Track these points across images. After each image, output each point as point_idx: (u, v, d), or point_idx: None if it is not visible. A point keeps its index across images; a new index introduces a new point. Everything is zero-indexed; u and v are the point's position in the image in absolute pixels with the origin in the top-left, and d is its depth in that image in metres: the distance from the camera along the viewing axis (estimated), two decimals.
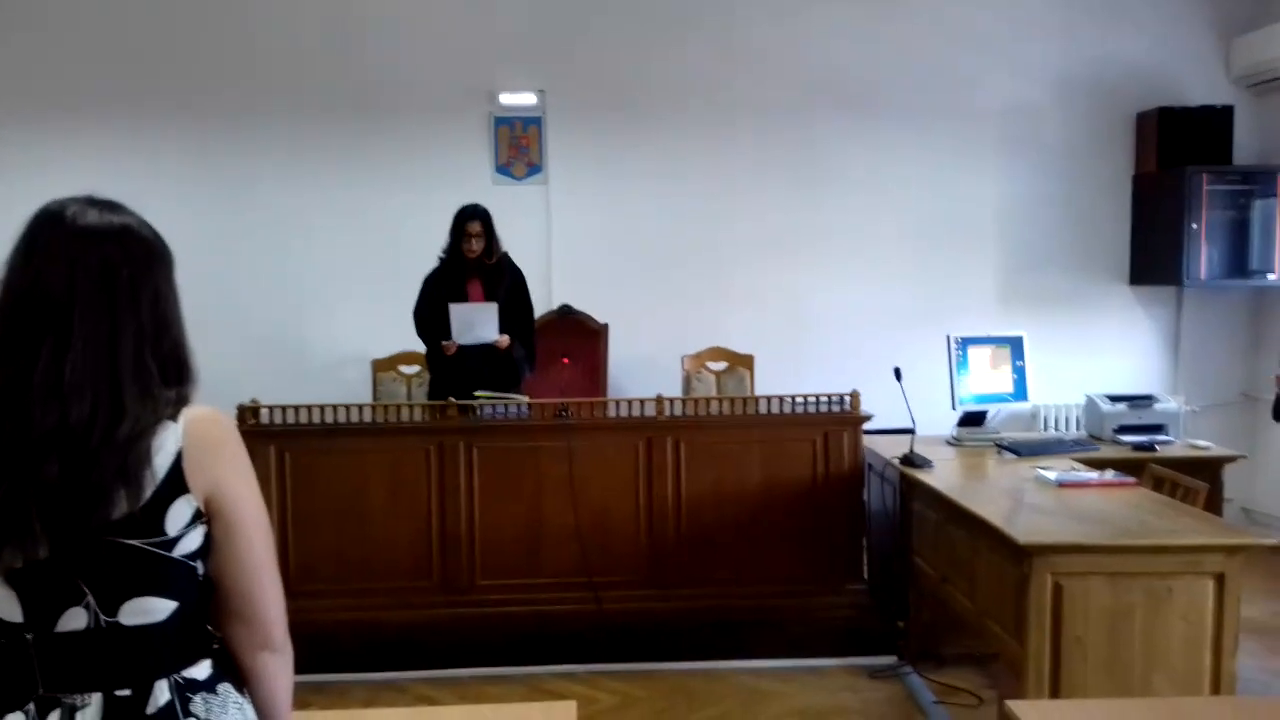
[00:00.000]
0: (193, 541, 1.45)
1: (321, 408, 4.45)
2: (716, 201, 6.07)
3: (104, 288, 1.41)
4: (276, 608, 1.55)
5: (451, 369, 4.80)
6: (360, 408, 4.55)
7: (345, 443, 4.44)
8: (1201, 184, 5.81)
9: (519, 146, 6.06)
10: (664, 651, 4.35)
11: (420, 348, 5.07)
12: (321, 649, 4.23)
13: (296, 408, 4.44)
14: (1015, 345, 4.78)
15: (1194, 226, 5.79)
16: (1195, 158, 5.87)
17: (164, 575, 1.43)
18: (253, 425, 4.36)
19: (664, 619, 4.41)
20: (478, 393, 4.61)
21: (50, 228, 1.43)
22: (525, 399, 4.67)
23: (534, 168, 6.07)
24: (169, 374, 1.46)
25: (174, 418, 1.44)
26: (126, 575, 1.41)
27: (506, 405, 4.58)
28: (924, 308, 6.01)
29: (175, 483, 1.42)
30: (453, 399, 4.55)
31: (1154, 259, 6.08)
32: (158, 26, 5.81)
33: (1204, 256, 5.83)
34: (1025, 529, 3.23)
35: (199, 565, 1.47)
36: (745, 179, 6.08)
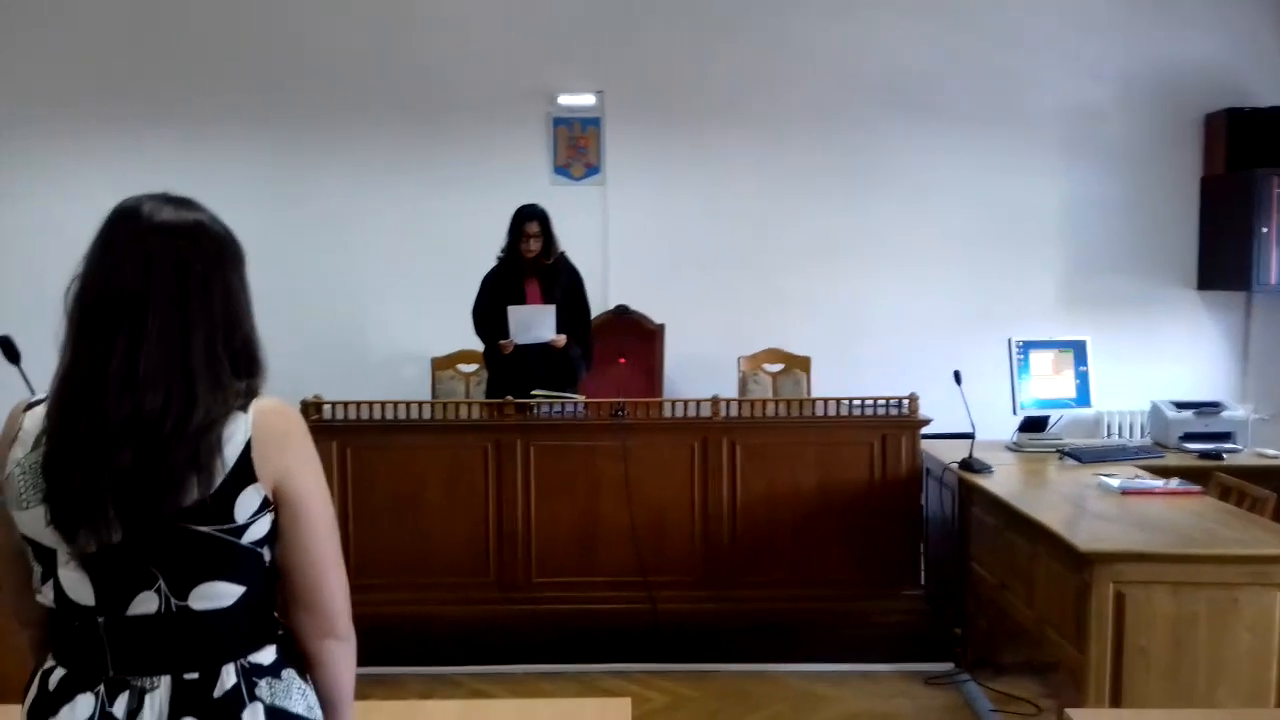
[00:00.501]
0: (260, 529, 1.48)
1: (382, 404, 4.51)
2: (773, 203, 6.05)
3: (178, 282, 1.45)
4: (341, 597, 1.58)
5: (509, 368, 4.84)
6: (419, 405, 4.60)
7: (404, 439, 4.50)
8: (1272, 186, 5.68)
9: (577, 147, 6.09)
10: (717, 653, 4.35)
11: (479, 346, 5.12)
12: (379, 642, 4.27)
13: (358, 404, 4.51)
14: (1078, 349, 4.71)
15: (1264, 230, 5.66)
16: (1265, 160, 5.74)
17: (233, 561, 1.47)
18: (315, 421, 4.43)
19: (717, 620, 4.41)
20: (535, 391, 4.64)
21: (126, 224, 1.48)
22: (581, 398, 4.70)
23: (592, 168, 6.10)
24: (239, 366, 1.50)
25: (244, 409, 1.48)
26: (197, 560, 1.45)
27: (563, 404, 4.61)
28: (984, 311, 5.94)
29: (244, 471, 1.46)
30: (510, 397, 4.59)
31: (1222, 263, 5.96)
32: (221, 29, 5.93)
33: (1274, 261, 5.69)
34: (1087, 536, 3.19)
35: (266, 552, 1.51)
36: (802, 180, 6.06)
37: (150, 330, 1.43)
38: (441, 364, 5.69)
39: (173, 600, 1.46)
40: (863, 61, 6.02)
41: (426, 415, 4.58)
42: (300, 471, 1.51)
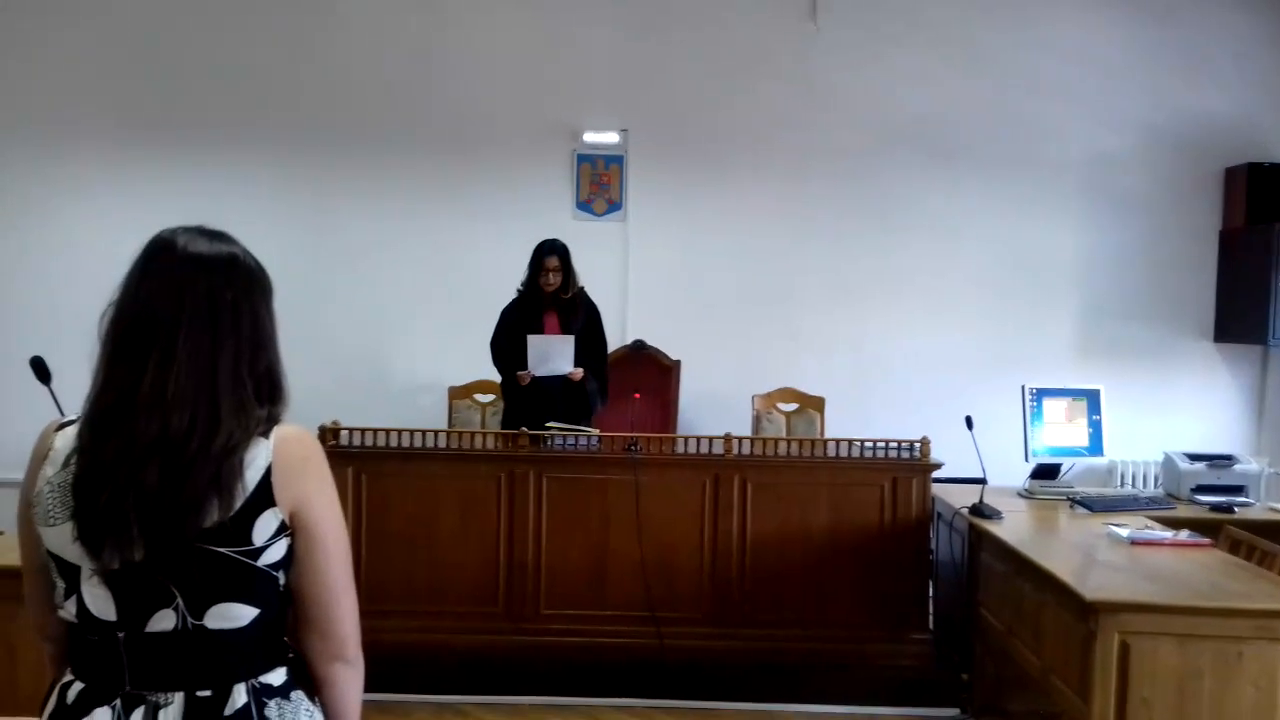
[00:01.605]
0: (277, 552, 1.53)
1: (399, 432, 4.57)
2: (792, 243, 6.11)
3: (208, 310, 1.52)
4: (352, 621, 1.63)
5: (525, 399, 4.89)
6: (435, 433, 4.66)
7: (419, 467, 4.55)
8: None
9: (600, 184, 6.17)
10: (723, 691, 4.35)
11: (496, 377, 5.17)
12: (387, 668, 4.32)
13: (375, 431, 4.57)
14: (1092, 398, 4.72)
15: None
16: None
17: (249, 583, 1.52)
18: (332, 446, 4.49)
19: (724, 658, 4.42)
20: (549, 423, 4.69)
21: (163, 254, 1.55)
22: (596, 431, 4.74)
23: (614, 205, 6.17)
24: (263, 393, 1.56)
25: (266, 434, 1.53)
26: (214, 581, 1.50)
27: (577, 437, 4.66)
28: (999, 357, 5.97)
29: (264, 496, 1.51)
30: (525, 428, 4.63)
31: (1240, 316, 5.96)
32: (252, 59, 6.04)
33: None
34: (1093, 585, 3.19)
35: (281, 576, 1.56)
36: (821, 222, 6.12)
37: (180, 354, 1.49)
38: (458, 394, 5.74)
39: (189, 619, 1.50)
40: (885, 105, 6.09)
41: (442, 444, 4.63)
42: (318, 499, 1.57)
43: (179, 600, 1.50)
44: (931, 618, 4.62)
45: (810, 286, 6.11)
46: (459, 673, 4.39)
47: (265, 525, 1.51)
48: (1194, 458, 4.78)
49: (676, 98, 6.10)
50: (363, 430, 4.57)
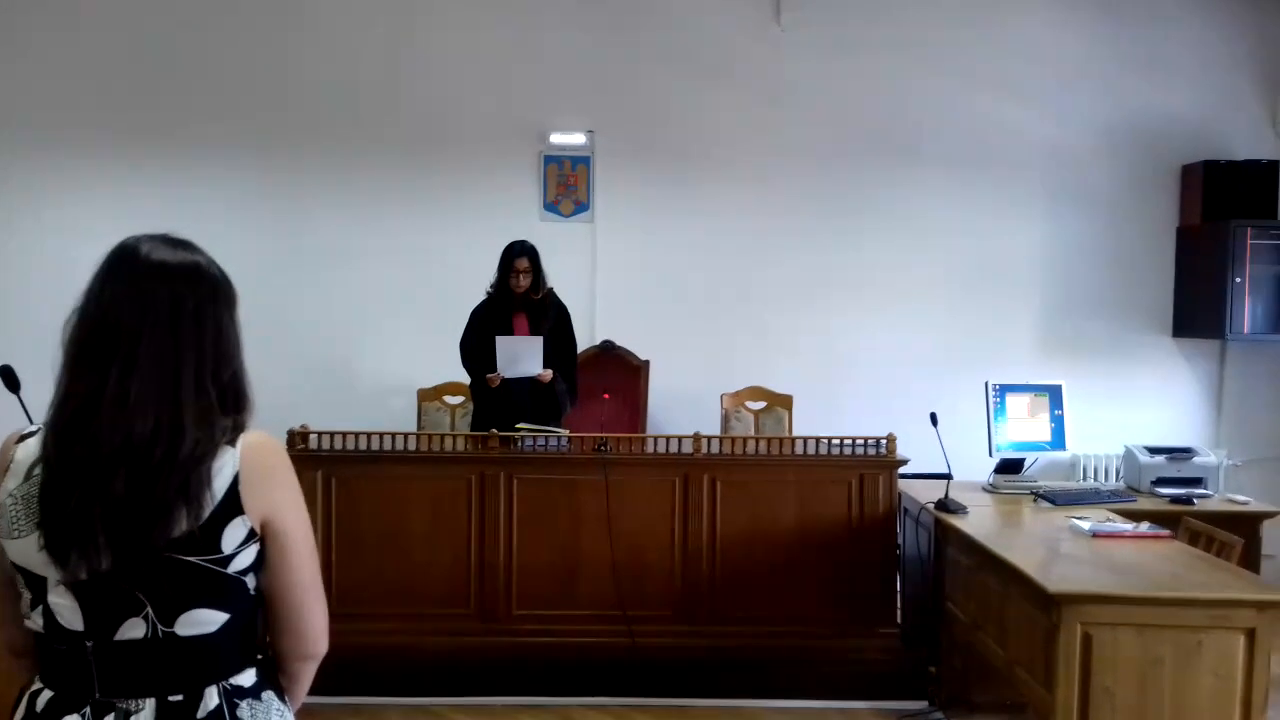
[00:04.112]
0: (246, 559, 1.55)
1: (368, 435, 4.57)
2: (759, 243, 6.15)
3: (170, 318, 1.52)
4: (322, 620, 1.67)
5: (495, 401, 4.90)
6: (405, 436, 4.66)
7: (389, 469, 4.55)
8: (1246, 237, 5.81)
9: (567, 185, 6.19)
10: (695, 688, 4.39)
11: (465, 379, 5.18)
12: (359, 672, 4.32)
13: (344, 434, 4.56)
14: (1054, 394, 4.80)
15: (1238, 280, 5.79)
16: (1240, 211, 5.88)
17: (218, 589, 1.53)
18: (301, 450, 4.48)
19: (695, 655, 4.45)
20: (519, 425, 4.70)
21: (125, 262, 1.55)
22: (566, 432, 4.76)
23: (581, 206, 6.19)
24: (227, 401, 1.57)
25: (232, 443, 1.54)
26: (184, 589, 1.51)
27: (547, 438, 4.67)
28: (963, 354, 6.04)
29: (232, 504, 1.52)
30: (495, 430, 4.64)
31: (1197, 311, 6.08)
32: (218, 63, 6.01)
33: (1248, 311, 5.82)
34: (1056, 578, 3.25)
35: (250, 580, 1.57)
36: (788, 221, 6.16)
37: (142, 360, 1.49)
38: (428, 395, 5.74)
39: (159, 627, 1.51)
40: (850, 105, 6.15)
41: (411, 446, 4.64)
42: (287, 505, 1.59)
43: (148, 609, 1.51)
44: (899, 612, 4.67)
45: (777, 285, 6.16)
46: (431, 674, 4.39)
47: (234, 533, 1.52)
48: (1154, 451, 4.88)
49: (643, 99, 6.13)
50: (332, 434, 4.56)
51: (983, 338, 6.14)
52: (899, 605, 4.68)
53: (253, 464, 1.54)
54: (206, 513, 1.49)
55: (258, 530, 1.55)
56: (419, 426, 5.59)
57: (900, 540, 4.69)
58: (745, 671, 4.43)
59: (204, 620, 1.53)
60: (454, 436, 4.84)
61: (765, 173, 6.15)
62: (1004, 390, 4.72)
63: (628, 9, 6.11)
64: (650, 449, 4.67)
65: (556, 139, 6.14)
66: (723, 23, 6.11)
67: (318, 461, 4.47)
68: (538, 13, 6.10)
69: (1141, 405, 6.16)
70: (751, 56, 6.12)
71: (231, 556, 1.53)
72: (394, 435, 4.61)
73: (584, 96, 6.14)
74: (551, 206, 6.18)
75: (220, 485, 1.51)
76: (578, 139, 6.15)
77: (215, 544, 1.51)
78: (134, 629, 1.51)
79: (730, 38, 6.11)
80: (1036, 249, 6.24)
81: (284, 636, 1.64)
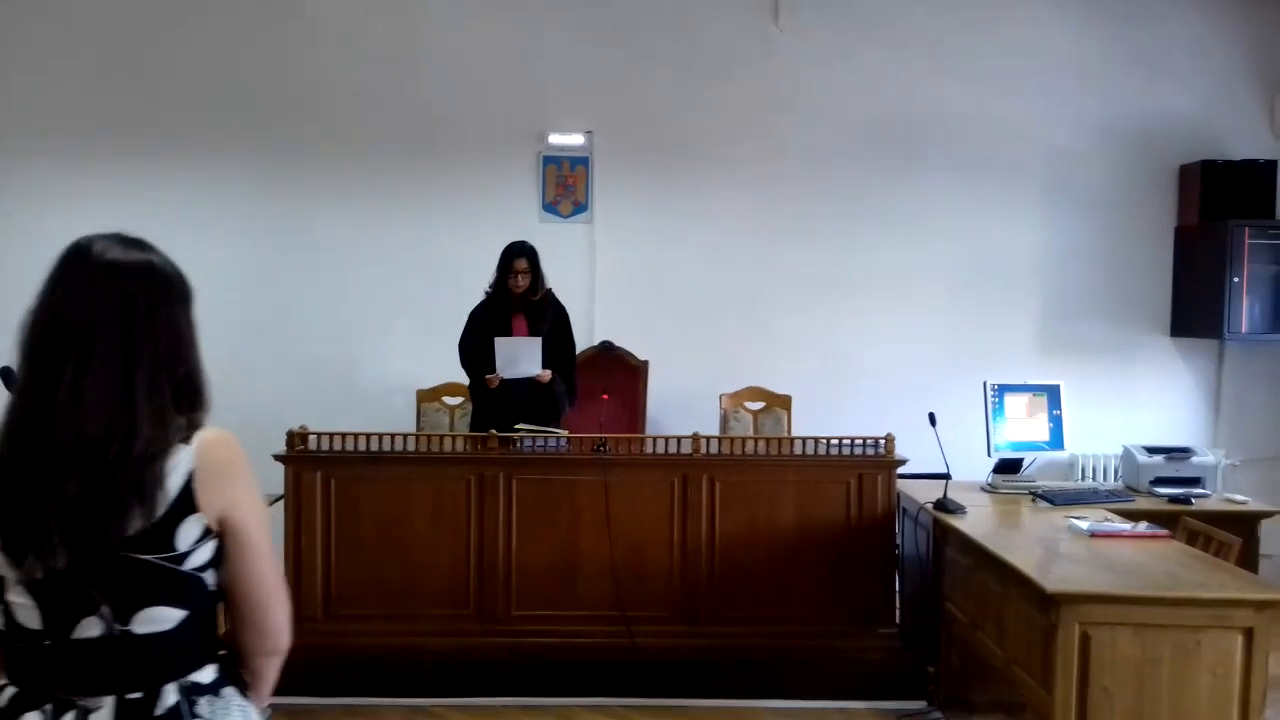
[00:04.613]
0: (202, 556, 1.55)
1: (367, 436, 4.57)
2: (758, 243, 6.15)
3: (123, 316, 1.53)
4: (284, 615, 1.67)
5: (494, 401, 4.90)
6: (404, 436, 4.66)
7: (389, 470, 4.55)
8: (1244, 237, 5.82)
9: (566, 185, 6.19)
10: (694, 688, 4.40)
11: (464, 379, 5.18)
12: (359, 672, 4.33)
13: (343, 435, 4.56)
14: (1052, 394, 4.81)
15: (1235, 280, 5.79)
16: (1237, 211, 5.88)
17: (175, 587, 1.54)
18: (301, 451, 4.49)
19: (695, 655, 4.46)
20: (518, 425, 4.71)
21: (76, 261, 1.56)
22: (565, 433, 4.76)
23: (580, 206, 6.19)
24: (182, 399, 1.57)
25: (186, 441, 1.55)
26: (139, 587, 1.52)
27: (546, 439, 4.68)
28: (962, 354, 6.05)
29: (186, 502, 1.53)
30: (494, 431, 4.65)
31: (1195, 311, 6.08)
32: (219, 64, 6.01)
33: (1245, 310, 5.82)
34: (1054, 577, 3.26)
35: (209, 576, 1.58)
36: (787, 222, 6.17)
37: (95, 359, 1.50)
38: (427, 396, 5.74)
39: (116, 625, 1.52)
40: (849, 106, 6.15)
41: (411, 447, 4.64)
42: (244, 502, 1.59)
43: (104, 608, 1.51)
44: (898, 612, 4.68)
45: (776, 286, 6.16)
46: (431, 675, 4.40)
47: (189, 531, 1.53)
48: (1152, 451, 4.88)
49: (641, 99, 6.13)
50: (331, 434, 4.57)
51: (981, 338, 6.15)
52: (898, 605, 4.69)
53: (207, 462, 1.55)
54: (160, 511, 1.50)
55: (214, 528, 1.55)
56: (418, 427, 5.59)
57: (899, 540, 4.70)
58: (745, 671, 4.43)
59: (161, 618, 1.53)
60: (453, 437, 4.84)
61: (763, 174, 6.15)
62: (1002, 390, 4.72)
63: (627, 10, 6.12)
64: (649, 449, 4.68)
65: (555, 139, 6.14)
66: (721, 24, 6.12)
67: (317, 462, 4.48)
68: (537, 14, 6.10)
69: (1140, 405, 6.17)
70: (750, 58, 6.12)
71: (187, 554, 1.53)
72: (393, 436, 4.62)
73: (583, 97, 6.14)
74: (550, 207, 6.18)
75: (174, 483, 1.52)
76: (577, 140, 6.15)
77: (170, 542, 1.52)
78: (91, 627, 1.51)
79: (729, 39, 6.12)
80: (1035, 249, 6.24)
81: (245, 632, 1.64)
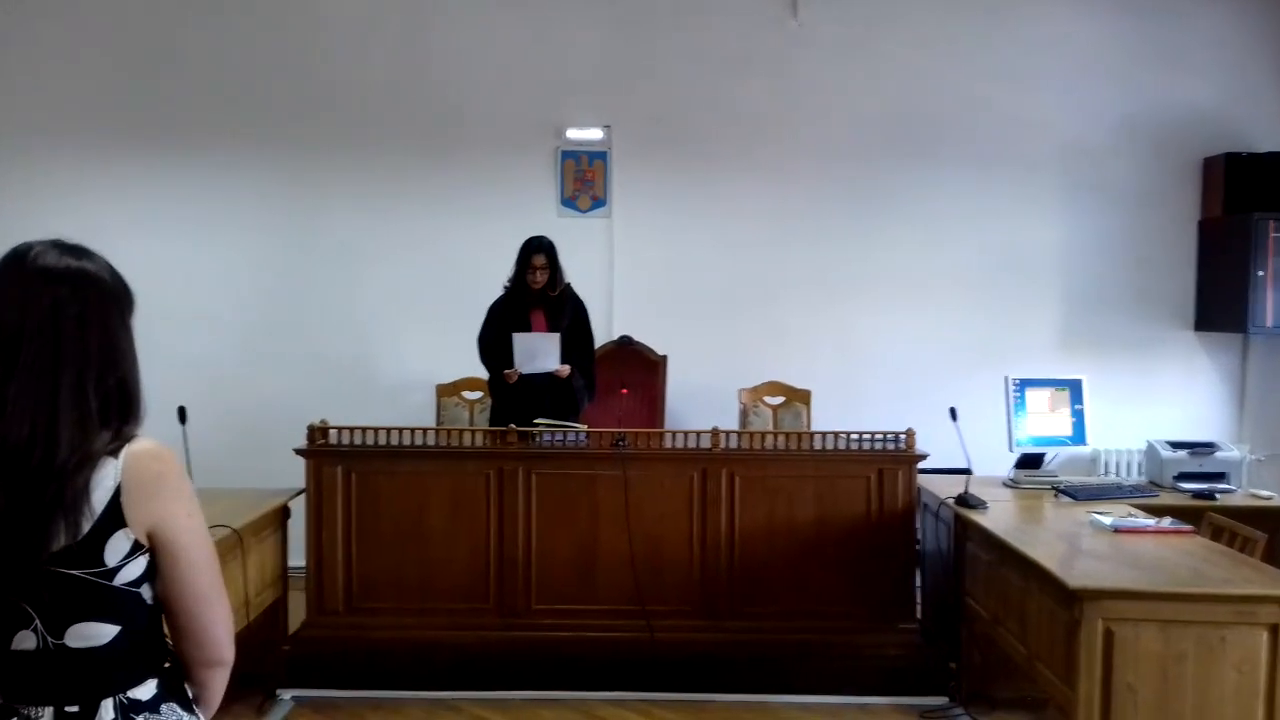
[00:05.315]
0: (133, 571, 1.53)
1: (387, 430, 4.58)
2: (776, 237, 6.14)
3: (51, 323, 1.50)
4: (224, 626, 1.64)
5: (513, 396, 4.91)
6: (424, 431, 4.66)
7: (408, 465, 4.56)
8: (1268, 230, 5.76)
9: (584, 180, 6.19)
10: (714, 682, 4.39)
11: (483, 374, 5.19)
12: (379, 666, 4.35)
13: (363, 429, 4.57)
14: (1074, 388, 4.77)
15: (1260, 273, 5.74)
16: (1262, 204, 5.83)
17: (106, 602, 1.52)
18: (321, 445, 4.50)
19: (715, 650, 4.45)
20: (537, 420, 4.71)
21: (13, 266, 1.54)
22: (584, 427, 4.76)
23: (598, 201, 6.19)
24: (112, 409, 1.54)
25: (115, 453, 1.52)
26: (69, 602, 1.50)
27: (565, 433, 4.68)
28: (982, 348, 6.02)
29: (113, 517, 1.50)
30: (513, 425, 4.65)
31: (1219, 305, 6.03)
32: (236, 61, 6.04)
33: (1270, 304, 5.77)
34: (1078, 573, 3.24)
35: (145, 591, 1.56)
36: (805, 216, 6.15)
37: (20, 366, 1.48)
38: (446, 391, 5.75)
39: (49, 639, 1.51)
40: (867, 100, 6.13)
41: (430, 442, 4.64)
42: (174, 514, 1.55)
43: (36, 622, 1.50)
44: (919, 607, 4.67)
45: (795, 280, 6.14)
46: (451, 669, 4.41)
47: (117, 546, 1.51)
48: (1176, 445, 4.84)
49: (659, 94, 6.13)
50: (351, 429, 4.58)
51: (1002, 332, 6.12)
52: (918, 601, 4.67)
53: (135, 476, 1.52)
54: (86, 527, 1.48)
55: (144, 542, 1.53)
56: (438, 422, 5.61)
57: (920, 535, 4.68)
58: (764, 666, 4.42)
59: (93, 634, 1.52)
60: (472, 432, 4.84)
61: (782, 168, 6.14)
62: (1024, 385, 4.70)
63: (644, 4, 6.11)
64: (668, 444, 4.67)
65: (573, 134, 6.14)
66: (739, 18, 6.10)
67: (338, 457, 4.49)
68: (554, 8, 6.10)
69: (1163, 400, 6.12)
70: (768, 52, 6.11)
71: (116, 570, 1.51)
72: (413, 431, 4.62)
73: (601, 92, 6.14)
74: (569, 202, 6.18)
75: (100, 498, 1.49)
76: (595, 134, 6.15)
77: (98, 557, 1.50)
78: (26, 640, 1.51)
79: (747, 33, 6.10)
80: (1056, 243, 6.20)
81: (185, 644, 1.62)
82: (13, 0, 6.01)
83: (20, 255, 1.54)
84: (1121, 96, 6.15)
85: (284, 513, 4.44)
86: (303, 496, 4.49)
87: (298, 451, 4.48)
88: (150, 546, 1.54)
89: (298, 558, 4.54)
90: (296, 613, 4.54)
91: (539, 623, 4.51)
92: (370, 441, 4.57)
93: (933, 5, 6.12)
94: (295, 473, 4.50)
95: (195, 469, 3.58)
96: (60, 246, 1.57)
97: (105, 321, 1.55)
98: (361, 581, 4.47)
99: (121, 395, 1.55)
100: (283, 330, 5.96)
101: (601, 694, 4.35)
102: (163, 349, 5.59)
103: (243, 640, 4.23)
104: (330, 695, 4.23)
